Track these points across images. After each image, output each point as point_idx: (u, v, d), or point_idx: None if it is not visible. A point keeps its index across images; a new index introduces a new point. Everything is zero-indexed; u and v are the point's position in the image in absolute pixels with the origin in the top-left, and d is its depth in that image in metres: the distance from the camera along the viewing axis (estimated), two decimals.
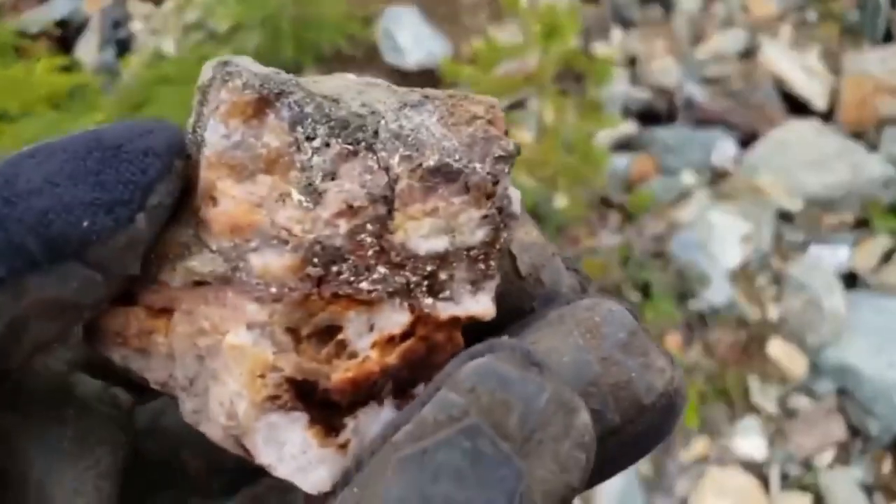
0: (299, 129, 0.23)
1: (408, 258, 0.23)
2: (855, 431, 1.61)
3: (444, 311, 0.24)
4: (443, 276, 0.24)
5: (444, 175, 0.23)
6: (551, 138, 1.61)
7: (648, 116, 1.94)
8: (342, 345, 0.23)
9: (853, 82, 1.93)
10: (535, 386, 0.21)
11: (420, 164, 0.23)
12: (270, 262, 0.23)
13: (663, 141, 1.88)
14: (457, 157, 0.23)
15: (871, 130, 1.90)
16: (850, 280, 1.72)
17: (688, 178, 1.84)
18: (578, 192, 1.66)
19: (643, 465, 1.57)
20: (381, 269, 0.23)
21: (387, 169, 0.23)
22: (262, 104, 0.23)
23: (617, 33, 2.07)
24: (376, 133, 0.23)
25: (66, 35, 2.34)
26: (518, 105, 1.82)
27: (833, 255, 1.73)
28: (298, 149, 0.23)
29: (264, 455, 0.23)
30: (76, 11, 2.39)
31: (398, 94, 0.24)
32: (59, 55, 1.94)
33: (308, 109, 0.23)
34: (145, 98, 1.68)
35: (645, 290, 1.66)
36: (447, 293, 0.24)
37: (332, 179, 0.23)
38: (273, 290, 0.23)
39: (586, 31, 2.01)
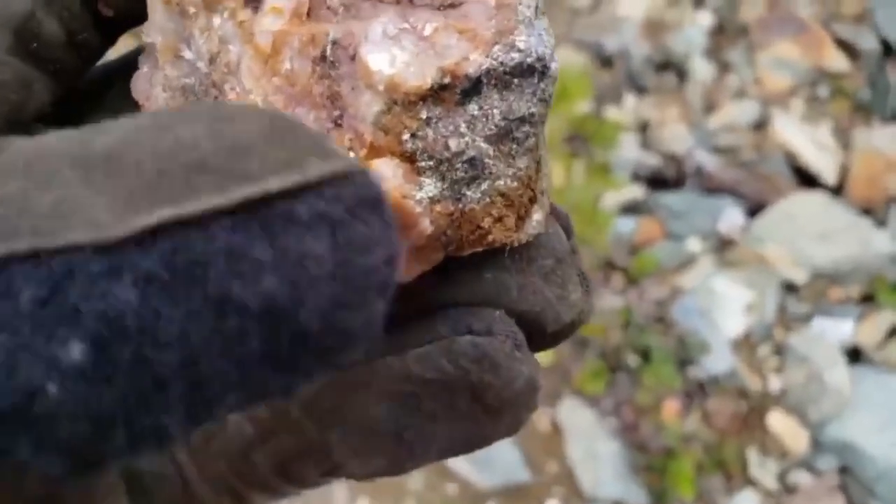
0: None
1: None
2: None
3: None
4: None
5: None
6: (557, 198, 1.61)
7: (657, 182, 1.94)
8: None
9: (863, 159, 1.93)
10: (517, 372, 0.24)
11: None
12: None
13: (670, 206, 1.88)
14: None
15: (880, 207, 1.90)
16: (854, 355, 1.70)
17: (693, 244, 1.84)
18: (581, 253, 1.66)
19: None
20: None
21: None
22: None
23: (630, 99, 2.09)
24: None
25: None
26: None
27: (837, 329, 1.71)
28: None
29: None
30: None
31: None
32: None
33: None
34: None
35: (645, 354, 1.64)
36: None
37: None
38: None
39: (600, 96, 2.03)
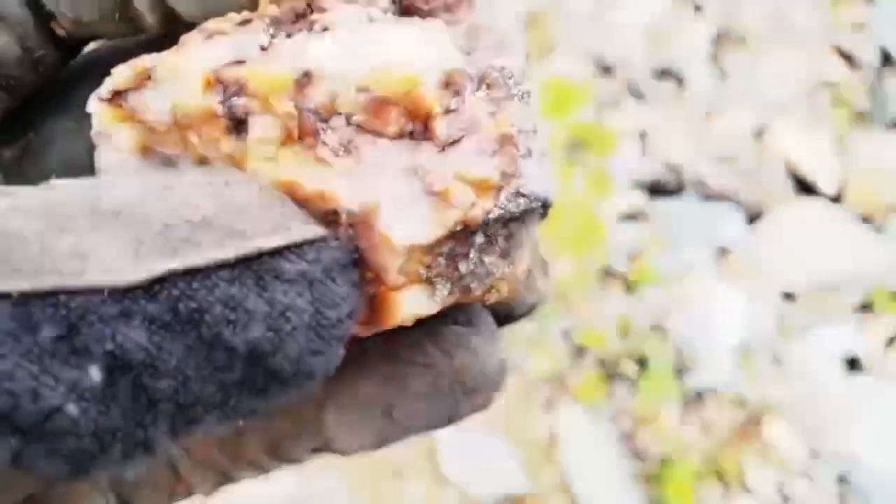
0: None
1: None
2: None
3: None
4: None
5: None
6: (555, 205, 1.61)
7: (656, 190, 1.94)
8: None
9: (862, 167, 1.94)
10: (492, 357, 0.28)
11: None
12: None
13: (670, 214, 1.88)
14: None
15: (880, 216, 1.90)
16: (853, 364, 1.70)
17: (692, 252, 1.84)
18: (580, 261, 1.66)
19: None
20: None
21: None
22: None
23: (630, 107, 2.09)
24: None
25: None
26: None
27: (835, 339, 1.71)
28: None
29: None
30: None
31: None
32: None
33: None
34: None
35: (643, 363, 1.64)
36: None
37: None
38: None
39: (600, 104, 2.03)
